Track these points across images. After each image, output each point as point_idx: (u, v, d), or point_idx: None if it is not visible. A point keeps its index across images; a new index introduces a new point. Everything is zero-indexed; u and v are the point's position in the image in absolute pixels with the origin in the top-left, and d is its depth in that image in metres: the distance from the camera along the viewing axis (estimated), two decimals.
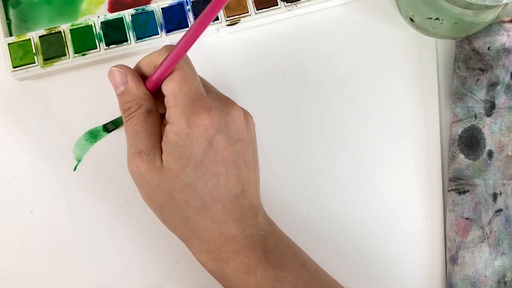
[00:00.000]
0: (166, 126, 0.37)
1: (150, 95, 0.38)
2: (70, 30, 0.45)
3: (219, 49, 0.47)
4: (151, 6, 0.45)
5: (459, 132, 0.45)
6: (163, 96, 0.37)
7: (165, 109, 0.37)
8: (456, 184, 0.45)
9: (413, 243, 0.46)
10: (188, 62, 0.37)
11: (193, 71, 0.37)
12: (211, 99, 0.37)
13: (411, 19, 0.46)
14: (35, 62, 0.44)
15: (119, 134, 0.46)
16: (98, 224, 0.45)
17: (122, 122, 0.39)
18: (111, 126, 0.44)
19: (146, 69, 0.38)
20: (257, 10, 0.46)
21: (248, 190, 0.38)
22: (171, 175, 0.36)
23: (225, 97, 0.38)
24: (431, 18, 0.44)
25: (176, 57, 0.36)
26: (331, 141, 0.46)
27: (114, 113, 0.46)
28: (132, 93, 0.37)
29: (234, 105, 0.38)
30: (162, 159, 0.36)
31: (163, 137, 0.36)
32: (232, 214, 0.37)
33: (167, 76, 0.37)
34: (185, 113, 0.36)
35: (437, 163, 0.46)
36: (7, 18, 0.46)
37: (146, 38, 0.45)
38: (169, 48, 0.37)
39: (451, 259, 0.44)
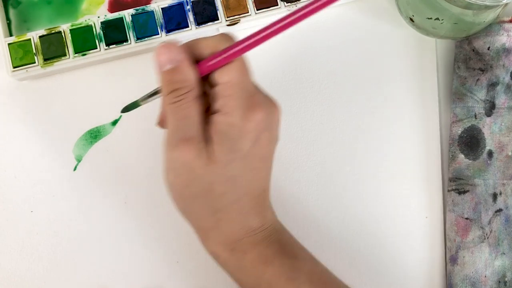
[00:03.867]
0: (215, 115, 0.35)
1: (200, 80, 0.36)
2: (70, 30, 0.45)
3: None
4: (151, 6, 0.45)
5: (459, 132, 0.45)
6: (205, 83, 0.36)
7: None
8: (456, 184, 0.45)
9: (413, 243, 0.46)
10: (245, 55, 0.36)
11: (249, 65, 0.36)
12: (261, 96, 0.36)
13: (411, 19, 0.46)
14: (35, 62, 0.44)
15: (119, 134, 0.46)
16: (98, 224, 0.45)
17: (136, 107, 0.37)
18: (125, 110, 0.40)
19: (198, 52, 0.36)
20: (257, 10, 0.46)
21: (267, 190, 0.39)
22: (218, 166, 0.35)
23: (269, 95, 0.37)
24: (431, 18, 0.44)
25: (248, 47, 0.34)
26: (330, 141, 0.46)
27: (114, 113, 0.46)
28: (184, 74, 0.35)
29: (277, 105, 0.37)
30: (211, 149, 0.35)
31: (212, 126, 0.35)
32: (256, 207, 0.37)
33: (224, 65, 0.35)
34: (241, 106, 0.35)
35: (437, 163, 0.46)
36: (7, 18, 0.46)
37: (146, 38, 0.45)
38: (227, 36, 0.36)
39: (451, 259, 0.44)
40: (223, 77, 0.35)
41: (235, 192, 0.36)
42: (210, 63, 0.35)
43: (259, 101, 0.36)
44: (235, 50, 0.34)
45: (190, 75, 0.35)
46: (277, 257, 0.37)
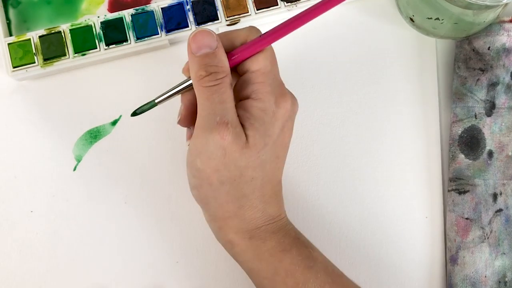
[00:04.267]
0: (248, 101, 0.36)
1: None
2: (70, 30, 0.45)
3: None
4: (151, 6, 0.45)
5: (459, 132, 0.45)
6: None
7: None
8: (456, 184, 0.45)
9: (413, 243, 0.46)
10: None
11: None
12: (285, 87, 0.38)
13: (411, 19, 0.46)
14: (35, 62, 0.44)
15: (119, 134, 0.46)
16: (98, 224, 0.45)
17: (152, 107, 0.38)
18: (139, 110, 0.40)
19: (229, 43, 0.37)
20: (257, 10, 0.46)
21: (281, 181, 0.40)
22: (253, 151, 0.36)
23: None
24: (431, 18, 0.44)
25: (278, 35, 0.36)
26: (330, 141, 0.46)
27: (114, 113, 0.46)
28: (221, 58, 0.36)
29: (296, 99, 0.38)
30: (246, 134, 0.36)
31: (245, 112, 0.36)
32: (275, 196, 0.38)
33: (255, 53, 0.36)
34: (273, 93, 0.36)
35: (437, 163, 0.46)
36: (7, 18, 0.46)
37: (146, 38, 0.45)
38: (255, 28, 0.37)
39: (451, 259, 0.44)
40: (256, 65, 0.36)
41: (261, 178, 0.37)
42: (243, 51, 0.36)
43: (287, 90, 0.38)
44: (266, 39, 0.36)
45: (226, 61, 0.36)
46: (294, 246, 0.38)
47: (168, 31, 0.45)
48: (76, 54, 0.45)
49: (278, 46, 0.47)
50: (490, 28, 0.45)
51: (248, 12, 0.46)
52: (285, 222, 0.39)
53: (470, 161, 0.45)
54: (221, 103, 0.35)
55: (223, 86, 0.35)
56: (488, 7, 0.40)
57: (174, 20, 0.45)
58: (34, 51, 0.44)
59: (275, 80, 0.37)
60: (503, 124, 0.45)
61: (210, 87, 0.35)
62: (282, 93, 0.37)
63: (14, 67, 0.44)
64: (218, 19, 0.45)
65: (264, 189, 0.37)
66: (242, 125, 0.36)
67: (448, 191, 0.45)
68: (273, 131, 0.36)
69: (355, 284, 0.39)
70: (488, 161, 0.45)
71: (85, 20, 0.45)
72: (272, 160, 0.37)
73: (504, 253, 0.44)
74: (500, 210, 0.44)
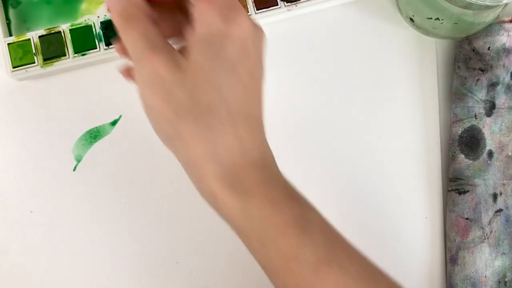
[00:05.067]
0: (194, 27, 0.33)
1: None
2: (70, 30, 0.45)
3: None
4: None
5: (459, 132, 0.45)
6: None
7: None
8: (456, 184, 0.45)
9: (413, 243, 0.46)
10: None
11: None
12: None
13: (411, 19, 0.46)
14: (34, 62, 0.44)
15: (119, 135, 0.46)
16: (98, 224, 0.45)
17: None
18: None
19: None
20: (257, 10, 0.46)
21: (263, 121, 0.35)
22: (197, 71, 0.32)
23: None
24: (431, 18, 0.44)
25: None
26: (330, 141, 0.46)
27: (114, 113, 0.46)
28: None
29: (258, 24, 0.35)
30: (191, 58, 0.32)
31: (191, 36, 0.33)
32: (257, 139, 0.34)
33: None
34: (223, 12, 0.32)
35: (437, 163, 0.46)
36: (7, 18, 0.46)
37: None
38: None
39: (451, 259, 0.44)
40: None
41: (224, 107, 0.32)
42: None
43: (240, 7, 0.33)
44: None
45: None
46: (287, 202, 0.33)
47: None
48: (76, 54, 0.45)
49: (278, 46, 0.47)
50: (490, 28, 0.45)
51: (248, 12, 0.46)
52: (274, 172, 0.34)
53: (470, 161, 0.45)
54: (144, 35, 0.33)
55: (143, 22, 0.33)
56: (488, 7, 0.40)
57: None
58: (34, 51, 0.44)
59: None
60: (503, 124, 0.45)
61: (130, 27, 0.33)
62: (233, 7, 0.33)
63: (14, 67, 0.44)
64: None
65: (236, 124, 0.33)
66: (191, 50, 0.33)
67: (448, 191, 0.45)
68: (228, 52, 0.32)
69: (356, 249, 0.35)
70: (488, 161, 0.45)
71: (85, 20, 0.45)
72: (236, 86, 0.33)
73: (504, 253, 0.44)
74: (500, 210, 0.44)
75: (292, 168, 0.46)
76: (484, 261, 0.44)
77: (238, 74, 0.33)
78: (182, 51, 0.33)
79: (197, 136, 0.32)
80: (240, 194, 0.32)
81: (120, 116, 0.46)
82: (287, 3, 0.46)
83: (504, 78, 0.45)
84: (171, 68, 0.32)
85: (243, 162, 0.33)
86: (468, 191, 0.45)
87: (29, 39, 0.44)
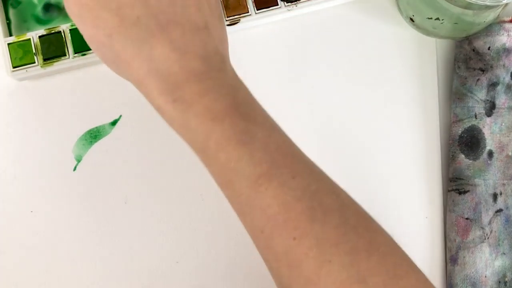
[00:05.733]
0: None
1: None
2: (70, 30, 0.45)
3: None
4: None
5: (459, 132, 0.45)
6: None
7: None
8: (456, 184, 0.45)
9: (413, 243, 0.46)
10: None
11: None
12: None
13: (411, 19, 0.46)
14: (35, 62, 0.44)
15: (120, 135, 0.46)
16: (98, 224, 0.45)
17: None
18: None
19: None
20: (257, 10, 0.46)
21: (212, 31, 0.34)
22: None
23: None
24: (431, 18, 0.44)
25: None
26: (330, 141, 0.46)
27: (114, 113, 0.46)
28: None
29: None
30: None
31: None
32: (194, 46, 0.32)
33: None
34: None
35: (437, 163, 0.46)
36: (7, 18, 0.46)
37: None
38: None
39: (451, 259, 0.44)
40: None
41: (152, 16, 0.32)
42: None
43: None
44: None
45: None
46: (228, 115, 0.32)
47: None
48: (76, 54, 0.45)
49: (278, 46, 0.47)
50: (490, 28, 0.45)
51: (248, 12, 0.46)
52: (220, 81, 0.33)
53: (470, 161, 0.45)
54: None
55: None
56: (488, 7, 0.40)
57: None
58: (34, 51, 0.44)
59: None
60: (503, 124, 0.45)
61: None
62: None
63: (14, 67, 0.44)
64: None
65: (169, 31, 0.32)
66: None
67: (448, 191, 0.45)
68: None
69: (308, 169, 0.34)
70: (488, 161, 0.45)
71: None
72: None
73: (504, 253, 0.44)
74: (500, 210, 0.44)
75: None
76: (484, 261, 0.44)
77: None
78: None
79: (134, 54, 0.32)
80: (181, 106, 0.32)
81: (120, 116, 0.46)
82: (287, 3, 0.46)
83: (504, 78, 0.45)
84: None
85: (182, 72, 0.32)
86: (468, 191, 0.45)
87: (29, 39, 0.44)
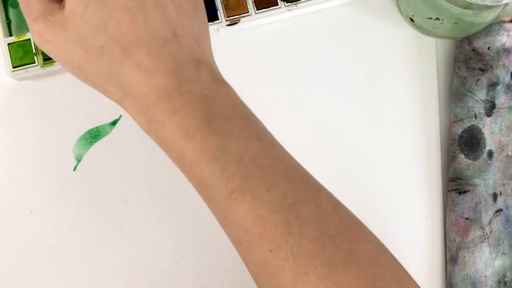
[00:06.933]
0: None
1: None
2: None
3: (218, 49, 0.47)
4: None
5: (459, 132, 0.45)
6: None
7: None
8: (456, 184, 0.45)
9: (413, 243, 0.46)
10: None
11: None
12: None
13: (411, 19, 0.46)
14: (35, 62, 0.44)
15: (120, 135, 0.46)
16: (98, 224, 0.45)
17: None
18: None
19: None
20: (257, 10, 0.46)
21: (183, 37, 0.33)
22: (75, 20, 0.32)
23: None
24: (431, 18, 0.44)
25: None
26: (330, 142, 0.46)
27: (114, 113, 0.46)
28: None
29: None
30: (64, 11, 0.33)
31: None
32: (161, 63, 0.32)
33: None
34: None
35: (437, 163, 0.46)
36: (7, 18, 0.46)
37: None
38: None
39: (451, 259, 0.45)
40: None
41: (114, 43, 0.32)
42: None
43: None
44: None
45: None
46: (200, 131, 0.31)
47: None
48: None
49: (278, 46, 0.47)
50: (490, 28, 0.45)
51: (248, 12, 0.46)
52: (191, 97, 0.32)
53: (470, 161, 0.45)
54: (27, 6, 0.34)
55: None
56: (488, 7, 0.40)
57: None
58: (34, 51, 0.44)
59: None
60: (503, 124, 0.45)
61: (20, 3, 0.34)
62: None
63: (14, 67, 0.44)
64: (218, 19, 0.45)
65: (134, 54, 0.32)
66: (63, 5, 0.33)
67: (448, 191, 0.45)
68: None
69: (286, 173, 0.33)
70: (488, 161, 0.45)
71: None
72: (120, 17, 0.32)
73: (504, 253, 0.44)
74: (500, 210, 0.44)
75: None
76: (484, 261, 0.44)
77: (113, 1, 0.32)
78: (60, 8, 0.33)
79: (106, 81, 0.33)
80: (154, 126, 0.32)
81: (120, 116, 0.46)
82: (287, 3, 0.46)
83: (504, 78, 0.45)
84: (52, 29, 0.33)
85: (152, 93, 0.32)
86: (468, 191, 0.45)
87: (30, 39, 0.44)
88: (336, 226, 0.33)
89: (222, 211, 0.32)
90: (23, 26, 0.46)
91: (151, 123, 0.32)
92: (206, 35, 0.35)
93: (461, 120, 0.46)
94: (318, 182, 0.35)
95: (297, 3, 0.46)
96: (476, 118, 0.45)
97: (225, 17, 0.45)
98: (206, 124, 0.32)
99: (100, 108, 0.46)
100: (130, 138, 0.46)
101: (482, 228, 0.44)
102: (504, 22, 0.45)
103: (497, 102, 0.45)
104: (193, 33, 0.34)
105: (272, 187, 0.32)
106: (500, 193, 0.45)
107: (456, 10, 0.41)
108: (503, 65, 0.45)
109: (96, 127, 0.46)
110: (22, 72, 0.44)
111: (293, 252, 0.31)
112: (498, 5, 0.40)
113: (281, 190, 0.32)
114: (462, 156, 0.45)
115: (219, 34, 0.47)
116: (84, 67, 0.33)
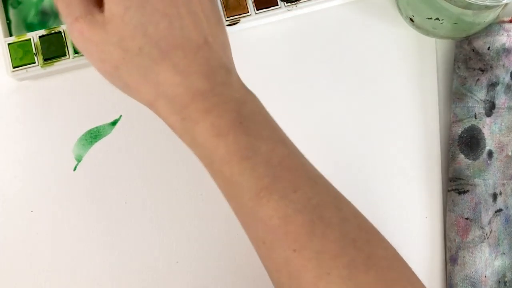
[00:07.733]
0: None
1: None
2: None
3: None
4: None
5: (459, 132, 0.45)
6: None
7: None
8: (456, 184, 0.45)
9: (413, 243, 0.46)
10: None
11: None
12: None
13: (411, 19, 0.46)
14: (35, 62, 0.44)
15: (120, 135, 0.46)
16: (98, 224, 0.45)
17: None
18: None
19: None
20: (257, 10, 0.46)
21: (213, 44, 0.35)
22: (116, 22, 0.33)
23: None
24: (431, 18, 0.44)
25: None
26: (330, 141, 0.46)
27: (114, 113, 0.46)
28: None
29: None
30: (104, 11, 0.34)
31: None
32: (197, 65, 0.34)
33: None
34: None
35: (437, 163, 0.46)
36: (7, 18, 0.46)
37: None
38: None
39: (451, 259, 0.45)
40: None
41: (153, 45, 0.33)
42: None
43: None
44: None
45: None
46: (232, 130, 0.33)
47: None
48: (76, 54, 0.45)
49: (278, 46, 0.47)
50: (490, 28, 0.45)
51: (248, 12, 0.46)
52: (225, 98, 0.34)
53: (470, 161, 0.45)
54: (67, 6, 0.34)
55: None
56: (488, 7, 0.40)
57: None
58: (34, 51, 0.44)
59: None
60: (503, 124, 0.45)
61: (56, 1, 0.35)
62: None
63: (14, 67, 0.44)
64: None
65: (171, 57, 0.33)
66: (103, 4, 0.34)
67: (448, 191, 0.45)
68: None
69: (312, 184, 0.34)
70: (488, 161, 0.45)
71: None
72: (158, 21, 0.33)
73: (504, 253, 0.44)
74: (500, 210, 0.44)
75: None
76: (484, 261, 0.44)
77: (152, 6, 0.33)
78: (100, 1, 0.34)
79: (141, 82, 0.34)
80: (188, 124, 0.34)
81: (120, 116, 0.46)
82: (287, 3, 0.46)
83: (504, 78, 0.45)
84: (93, 29, 0.34)
85: (187, 93, 0.33)
86: (468, 191, 0.45)
87: (30, 39, 0.44)
88: (355, 231, 0.34)
89: (248, 210, 0.33)
90: (23, 26, 0.46)
91: (185, 122, 0.34)
92: (229, 46, 0.37)
93: (461, 120, 0.46)
94: (338, 190, 0.36)
95: (297, 3, 0.46)
96: (476, 118, 0.45)
97: (225, 17, 0.45)
98: (238, 123, 0.33)
99: (100, 108, 0.46)
100: (130, 138, 0.46)
101: (482, 228, 0.44)
102: (504, 22, 0.45)
103: (497, 102, 0.45)
104: (221, 41, 0.36)
105: (298, 188, 0.33)
106: (500, 193, 0.45)
107: (456, 10, 0.41)
108: (503, 65, 0.45)
109: (96, 127, 0.46)
110: (22, 72, 0.44)
111: (316, 252, 0.32)
112: (498, 5, 0.40)
113: (306, 192, 0.33)
114: (462, 156, 0.45)
115: None
116: (121, 67, 0.34)
